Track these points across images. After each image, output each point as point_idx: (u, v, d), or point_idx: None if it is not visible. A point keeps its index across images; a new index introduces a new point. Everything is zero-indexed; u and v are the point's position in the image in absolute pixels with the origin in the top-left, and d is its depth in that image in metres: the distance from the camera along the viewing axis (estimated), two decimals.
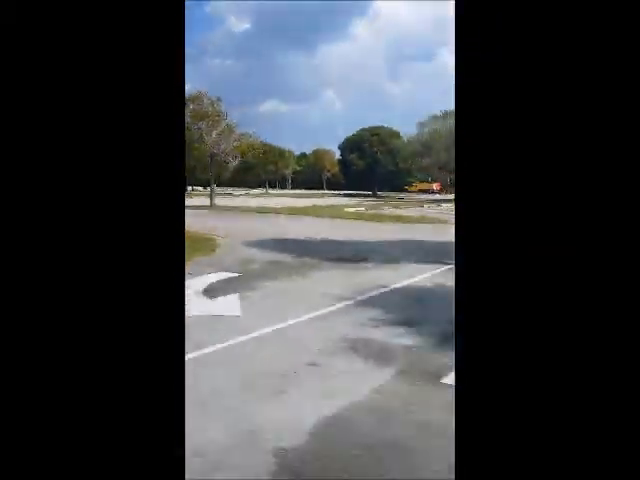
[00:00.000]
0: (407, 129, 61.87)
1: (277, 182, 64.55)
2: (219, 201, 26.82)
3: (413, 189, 56.17)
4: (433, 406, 3.06)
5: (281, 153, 55.81)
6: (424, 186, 55.92)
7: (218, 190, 34.23)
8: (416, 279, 7.09)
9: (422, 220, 18.39)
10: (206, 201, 26.16)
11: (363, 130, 53.14)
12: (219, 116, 25.86)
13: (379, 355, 3.95)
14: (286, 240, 11.33)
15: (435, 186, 55.06)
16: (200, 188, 46.51)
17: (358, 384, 3.38)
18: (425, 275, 7.37)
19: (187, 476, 1.49)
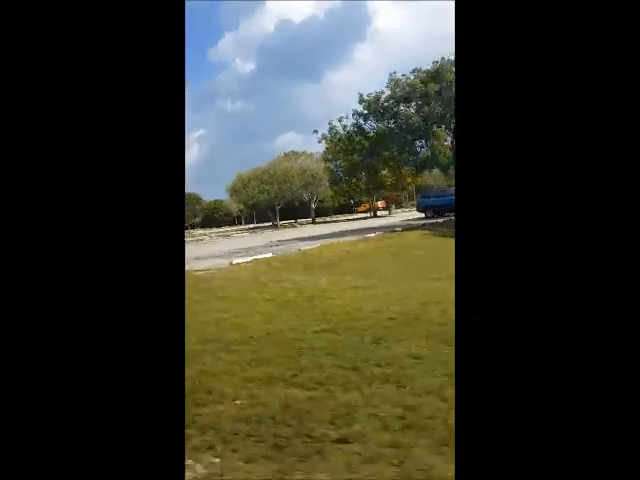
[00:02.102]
0: None
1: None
2: None
3: (362, 209, 57.86)
4: None
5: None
6: (371, 206, 57.27)
7: None
8: None
9: None
10: None
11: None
12: None
13: None
14: None
15: (380, 204, 56.54)
16: None
17: None
18: None
19: None
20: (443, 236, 15.62)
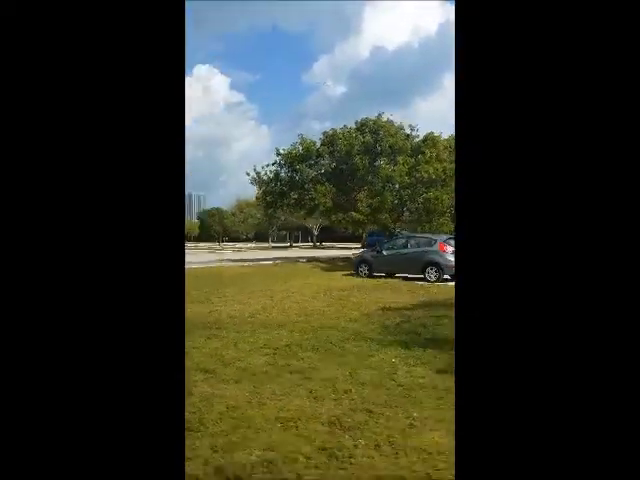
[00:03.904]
0: None
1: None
2: None
3: None
4: None
5: None
6: None
7: None
8: None
9: None
10: None
11: None
12: None
13: None
14: None
15: None
16: None
17: None
18: None
19: None
20: (327, 270, 19.12)
